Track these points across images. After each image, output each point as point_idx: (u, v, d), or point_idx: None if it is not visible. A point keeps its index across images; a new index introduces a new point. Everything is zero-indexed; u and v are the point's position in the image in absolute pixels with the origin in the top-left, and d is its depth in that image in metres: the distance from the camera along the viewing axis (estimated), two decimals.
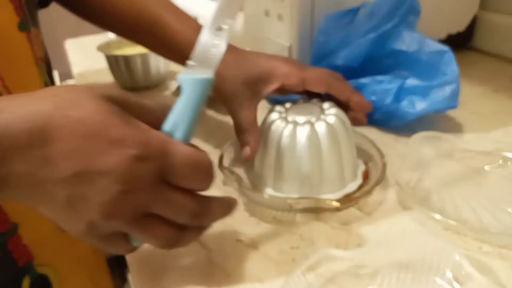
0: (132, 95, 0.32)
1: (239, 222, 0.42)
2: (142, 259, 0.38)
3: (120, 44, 0.80)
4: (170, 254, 0.38)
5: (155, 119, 0.31)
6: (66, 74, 0.99)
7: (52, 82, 0.53)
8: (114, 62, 0.74)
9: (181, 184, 0.30)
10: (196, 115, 0.31)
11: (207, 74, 0.31)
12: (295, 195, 0.44)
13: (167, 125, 0.31)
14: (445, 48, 0.54)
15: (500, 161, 0.49)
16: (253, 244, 0.39)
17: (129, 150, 0.27)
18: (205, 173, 0.30)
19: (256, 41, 0.78)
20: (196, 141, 0.55)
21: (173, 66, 0.85)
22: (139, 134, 0.28)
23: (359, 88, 0.58)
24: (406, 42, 0.55)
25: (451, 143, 0.51)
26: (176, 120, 0.31)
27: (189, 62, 0.32)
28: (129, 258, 0.39)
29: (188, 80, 0.31)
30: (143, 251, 0.39)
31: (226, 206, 0.34)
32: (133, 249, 0.33)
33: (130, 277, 0.38)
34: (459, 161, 0.50)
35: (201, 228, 0.33)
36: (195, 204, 0.30)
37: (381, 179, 0.44)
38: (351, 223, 0.41)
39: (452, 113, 0.60)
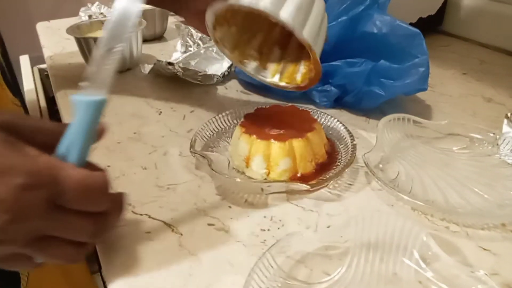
0: (28, 117, 0.31)
1: (211, 206, 0.42)
2: (111, 246, 0.37)
3: (91, 27, 0.78)
4: (141, 240, 0.38)
5: (52, 139, 0.31)
6: (39, 58, 0.96)
7: (7, 62, 0.51)
8: (85, 45, 0.71)
9: (74, 208, 0.29)
10: (89, 136, 0.31)
11: (100, 95, 0.31)
12: None
13: (61, 148, 0.31)
14: (415, 31, 0.54)
15: (468, 142, 0.50)
16: (224, 228, 0.39)
17: (15, 179, 0.27)
18: (98, 195, 0.30)
19: None
20: (169, 125, 0.56)
21: (146, 49, 0.84)
22: (26, 162, 0.28)
23: (331, 71, 0.58)
24: (377, 25, 0.55)
25: (420, 125, 0.52)
26: (70, 142, 0.31)
27: (82, 84, 0.32)
28: (99, 245, 0.38)
29: (80, 102, 0.31)
30: (112, 237, 0.38)
31: (119, 207, 0.34)
32: (39, 264, 0.32)
33: (101, 264, 0.37)
34: (428, 143, 0.51)
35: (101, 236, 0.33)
36: (91, 223, 0.30)
37: (351, 161, 0.44)
38: (321, 205, 0.42)
39: (421, 95, 0.61)
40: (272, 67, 0.53)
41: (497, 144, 0.49)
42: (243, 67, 0.53)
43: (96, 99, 0.31)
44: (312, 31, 0.44)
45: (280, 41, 0.53)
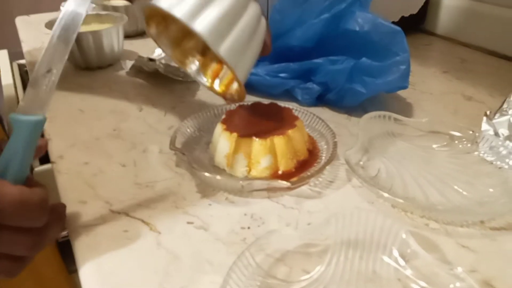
0: None
1: (190, 204, 0.41)
2: (88, 244, 0.37)
3: None
4: (118, 238, 0.37)
5: None
6: (19, 54, 0.95)
7: None
8: None
9: (11, 224, 0.30)
10: (27, 154, 0.32)
11: (39, 115, 0.32)
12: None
13: None
14: (397, 28, 0.54)
15: (448, 140, 0.51)
16: (204, 226, 0.39)
17: None
18: (35, 211, 0.30)
19: None
20: (150, 122, 0.55)
21: (128, 45, 0.83)
22: None
23: (313, 69, 0.58)
24: (359, 22, 0.55)
25: (401, 123, 0.52)
26: (7, 160, 0.31)
27: (21, 103, 0.32)
28: (75, 243, 0.37)
29: (19, 121, 0.31)
30: (89, 235, 0.38)
31: (59, 221, 0.34)
32: None
33: (76, 262, 0.36)
34: (408, 140, 0.51)
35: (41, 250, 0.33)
36: (28, 238, 0.31)
37: (332, 158, 0.44)
38: (302, 202, 0.42)
39: (403, 93, 0.61)
40: (213, 71, 0.50)
41: (477, 142, 0.49)
42: (184, 67, 0.50)
43: (34, 119, 0.31)
44: (235, 46, 0.39)
45: None
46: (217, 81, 0.50)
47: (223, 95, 0.49)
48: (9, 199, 0.29)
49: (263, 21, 0.44)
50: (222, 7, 0.39)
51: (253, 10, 0.41)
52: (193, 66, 0.51)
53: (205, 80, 0.50)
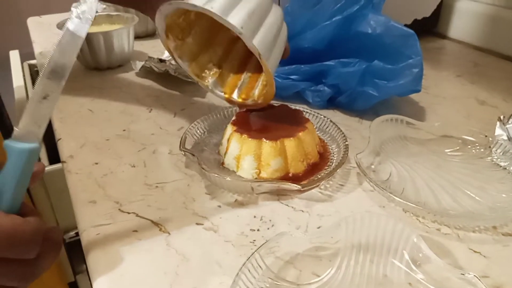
0: None
1: (200, 205, 0.41)
2: (97, 245, 0.37)
3: None
4: (127, 238, 0.37)
5: None
6: (30, 54, 0.95)
7: None
8: None
9: (1, 255, 0.29)
10: (21, 183, 0.31)
11: (33, 142, 0.31)
12: None
13: None
14: (409, 31, 0.53)
15: (461, 145, 0.50)
16: (213, 228, 0.39)
17: None
18: (27, 243, 0.29)
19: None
20: (160, 123, 0.55)
21: (138, 45, 0.83)
22: None
23: (324, 71, 0.58)
24: (372, 25, 0.55)
25: (413, 126, 0.51)
26: (1, 189, 0.30)
27: (16, 130, 0.31)
28: (85, 244, 0.37)
29: (13, 148, 0.30)
30: (99, 235, 0.38)
31: (53, 250, 0.33)
32: None
33: (87, 262, 0.36)
34: (421, 144, 0.50)
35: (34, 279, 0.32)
36: (20, 269, 0.30)
37: (343, 162, 0.44)
38: (312, 205, 0.41)
39: (415, 97, 0.61)
40: (231, 82, 0.51)
41: (490, 147, 0.48)
42: (200, 81, 0.51)
43: (28, 147, 0.30)
44: (264, 40, 0.41)
45: (241, 57, 0.51)
46: (236, 91, 0.50)
47: (242, 104, 0.49)
48: (0, 231, 0.28)
49: (285, 24, 0.45)
50: (252, 4, 0.41)
51: (278, 10, 0.44)
52: (209, 79, 0.51)
53: (222, 92, 0.51)
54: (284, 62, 0.62)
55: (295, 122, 0.48)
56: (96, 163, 0.47)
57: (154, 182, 0.44)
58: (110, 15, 0.79)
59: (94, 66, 0.72)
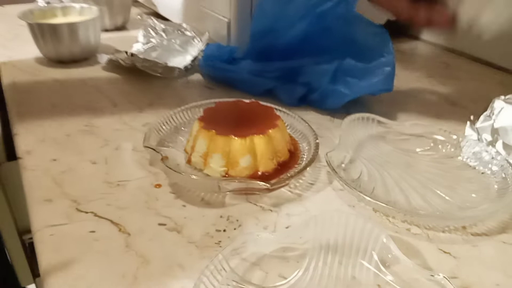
0: None
1: (164, 205, 0.39)
2: (51, 246, 0.34)
3: (45, 14, 0.73)
4: (84, 239, 0.35)
5: None
6: None
7: None
8: (39, 31, 0.67)
9: None
10: None
11: None
12: None
13: None
14: (381, 29, 0.53)
15: (431, 144, 0.50)
16: (177, 228, 0.37)
17: None
18: None
19: (196, 15, 0.74)
20: (124, 118, 0.53)
21: (107, 39, 0.80)
22: None
23: (296, 68, 0.57)
24: (345, 22, 0.54)
25: (384, 126, 0.51)
26: None
27: None
28: (38, 244, 0.35)
29: None
30: (54, 236, 0.35)
31: None
32: None
33: (39, 265, 0.34)
34: (391, 143, 0.50)
35: None
36: None
37: (313, 160, 0.43)
38: (281, 204, 0.40)
39: (387, 96, 0.60)
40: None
41: (460, 147, 0.48)
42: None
43: None
44: None
45: None
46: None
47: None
48: None
49: None
50: None
51: None
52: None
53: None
54: (256, 58, 0.61)
55: (266, 119, 0.46)
56: (55, 160, 0.45)
57: (115, 180, 0.42)
58: (81, 7, 0.76)
59: (57, 59, 0.69)
